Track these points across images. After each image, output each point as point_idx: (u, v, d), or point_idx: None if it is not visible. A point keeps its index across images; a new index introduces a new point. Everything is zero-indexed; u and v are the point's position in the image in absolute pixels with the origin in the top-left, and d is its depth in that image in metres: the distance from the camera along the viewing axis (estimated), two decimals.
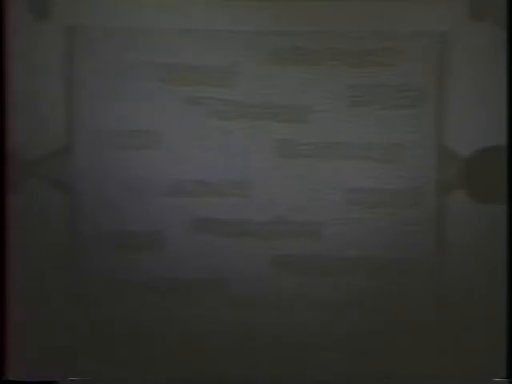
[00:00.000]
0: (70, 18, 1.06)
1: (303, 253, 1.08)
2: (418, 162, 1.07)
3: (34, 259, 1.08)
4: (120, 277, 1.08)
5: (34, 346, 1.08)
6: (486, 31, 1.06)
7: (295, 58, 1.06)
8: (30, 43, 1.05)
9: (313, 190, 1.08)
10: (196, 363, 1.09)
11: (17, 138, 1.06)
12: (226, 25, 1.06)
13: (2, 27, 1.05)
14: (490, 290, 1.08)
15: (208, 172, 1.07)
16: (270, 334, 1.09)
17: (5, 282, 1.08)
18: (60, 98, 1.07)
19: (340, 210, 1.08)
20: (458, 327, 1.09)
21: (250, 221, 1.08)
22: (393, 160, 1.07)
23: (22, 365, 1.08)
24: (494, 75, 1.06)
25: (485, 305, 1.08)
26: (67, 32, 1.06)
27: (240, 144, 1.07)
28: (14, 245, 1.07)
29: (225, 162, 1.07)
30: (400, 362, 1.09)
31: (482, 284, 1.08)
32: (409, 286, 1.09)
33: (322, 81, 1.07)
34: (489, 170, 1.07)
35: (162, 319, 1.09)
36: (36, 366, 1.09)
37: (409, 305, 1.09)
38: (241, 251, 1.08)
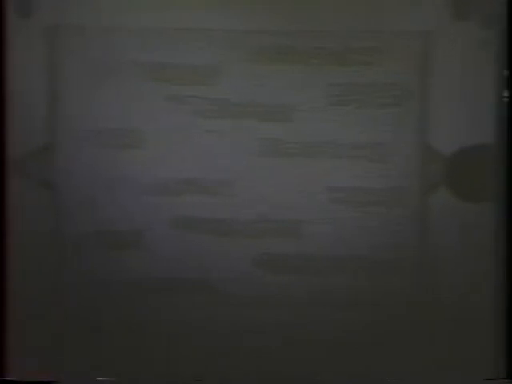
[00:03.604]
0: (54, 16, 1.06)
1: (287, 252, 1.08)
2: (401, 160, 1.07)
3: (17, 259, 1.07)
4: (104, 276, 1.08)
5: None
6: (470, 30, 1.06)
7: (279, 57, 1.06)
8: (13, 42, 1.05)
9: (297, 188, 1.08)
10: (180, 362, 1.09)
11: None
12: (211, 23, 1.06)
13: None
14: (476, 289, 1.08)
15: (192, 171, 1.07)
16: (253, 332, 1.08)
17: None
18: (43, 97, 1.07)
19: (324, 209, 1.08)
20: (443, 327, 1.08)
21: (233, 220, 1.08)
22: (377, 159, 1.07)
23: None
24: (477, 74, 1.06)
25: (471, 304, 1.08)
26: (50, 31, 1.06)
27: (224, 143, 1.07)
28: None
29: (209, 161, 1.07)
30: (386, 362, 1.08)
31: (468, 283, 1.08)
32: (393, 285, 1.08)
33: (306, 80, 1.07)
34: (473, 168, 1.07)
35: (146, 318, 1.08)
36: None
37: (393, 304, 1.08)
38: (224, 250, 1.08)
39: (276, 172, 1.08)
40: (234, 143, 1.07)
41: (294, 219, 1.08)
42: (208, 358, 1.09)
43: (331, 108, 1.07)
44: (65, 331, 1.09)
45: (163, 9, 1.06)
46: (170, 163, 1.07)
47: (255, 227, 1.08)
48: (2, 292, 1.08)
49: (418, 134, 1.07)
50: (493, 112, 1.07)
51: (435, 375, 1.09)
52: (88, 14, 1.06)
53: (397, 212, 1.08)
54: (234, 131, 1.07)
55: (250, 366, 1.09)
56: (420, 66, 1.06)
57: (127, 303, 1.08)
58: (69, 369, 1.08)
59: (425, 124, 1.07)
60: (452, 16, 1.06)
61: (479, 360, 1.08)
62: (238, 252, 1.08)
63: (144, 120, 1.07)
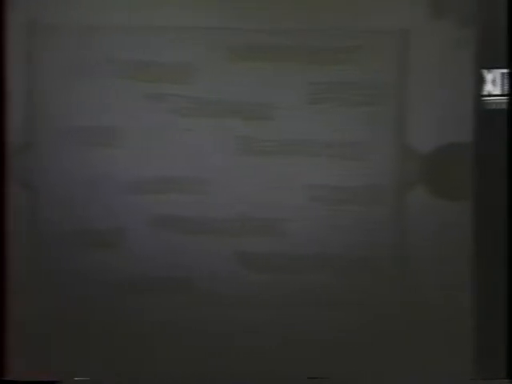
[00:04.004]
0: (31, 14, 1.06)
1: (266, 250, 1.09)
2: (379, 159, 1.08)
3: None
4: (83, 275, 1.08)
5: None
6: (447, 29, 1.06)
7: (257, 55, 1.06)
8: None
9: (275, 187, 1.08)
10: (161, 361, 1.09)
11: None
12: (188, 21, 1.06)
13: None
14: (455, 288, 1.08)
15: (170, 169, 1.07)
16: (233, 331, 1.09)
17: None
18: (20, 96, 1.07)
19: (302, 208, 1.08)
20: (421, 326, 1.09)
21: (212, 218, 1.08)
22: (354, 157, 1.08)
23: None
24: (454, 73, 1.06)
25: (450, 303, 1.08)
26: (27, 28, 1.06)
27: (202, 141, 1.07)
28: None
29: (187, 160, 1.07)
30: (362, 361, 1.09)
31: (446, 282, 1.08)
32: (371, 283, 1.09)
33: (284, 78, 1.07)
34: (450, 166, 1.08)
35: (126, 318, 1.09)
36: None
37: (371, 303, 1.09)
38: (203, 249, 1.08)
39: (254, 170, 1.08)
40: (212, 142, 1.07)
41: (273, 218, 1.08)
42: (189, 358, 1.09)
43: (309, 106, 1.07)
44: (44, 331, 1.09)
45: (140, 7, 1.06)
46: (149, 162, 1.08)
47: (234, 226, 1.08)
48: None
49: (396, 132, 1.07)
50: (470, 110, 1.07)
51: (414, 374, 1.09)
52: (66, 12, 1.06)
53: (374, 210, 1.08)
54: (212, 129, 1.07)
55: (231, 366, 1.09)
56: (397, 64, 1.07)
57: (107, 303, 1.09)
58: (49, 367, 1.09)
59: (402, 122, 1.07)
60: (429, 15, 1.06)
61: (458, 359, 1.09)
62: (217, 251, 1.08)
63: (122, 118, 1.07)
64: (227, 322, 1.08)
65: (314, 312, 1.09)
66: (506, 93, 1.05)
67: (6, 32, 1.05)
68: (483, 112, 1.06)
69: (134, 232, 1.08)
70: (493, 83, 1.05)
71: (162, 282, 1.08)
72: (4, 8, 1.05)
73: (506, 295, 1.07)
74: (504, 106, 1.06)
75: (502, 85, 1.05)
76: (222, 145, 1.07)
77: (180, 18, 1.06)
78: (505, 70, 1.05)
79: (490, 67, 1.05)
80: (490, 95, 1.06)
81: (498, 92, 1.06)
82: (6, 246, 1.07)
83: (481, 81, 1.06)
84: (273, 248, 1.08)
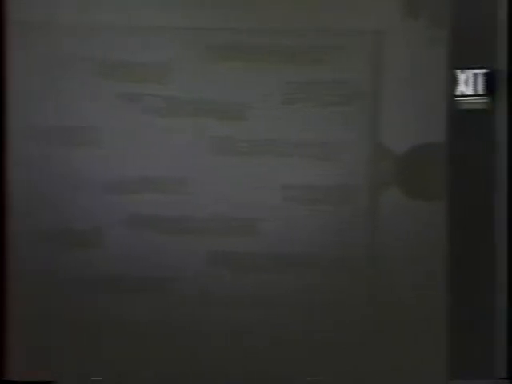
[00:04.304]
0: (7, 12, 1.06)
1: (241, 249, 1.09)
2: (353, 159, 1.08)
3: None
4: (62, 275, 1.08)
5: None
6: (421, 30, 1.07)
7: (232, 55, 1.07)
8: None
9: (250, 187, 1.08)
10: (138, 359, 1.09)
11: None
12: (164, 21, 1.07)
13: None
14: (428, 288, 1.08)
15: (147, 169, 1.08)
16: (211, 330, 1.09)
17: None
18: None
19: (277, 207, 1.08)
20: (395, 326, 1.09)
21: (190, 218, 1.08)
22: (328, 157, 1.08)
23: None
24: (428, 73, 1.07)
25: (424, 303, 1.08)
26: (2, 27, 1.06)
27: (179, 141, 1.08)
28: None
29: (164, 160, 1.08)
30: (336, 361, 1.09)
31: (420, 281, 1.08)
32: (345, 283, 1.09)
33: (259, 78, 1.07)
34: (424, 166, 1.08)
35: (103, 317, 1.09)
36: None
37: (346, 303, 1.09)
38: (181, 248, 1.09)
39: (230, 170, 1.08)
40: (188, 141, 1.08)
41: (249, 217, 1.09)
42: (168, 356, 1.10)
43: (284, 106, 1.08)
44: (18, 328, 1.09)
45: (117, 7, 1.06)
46: (128, 161, 1.08)
47: (211, 226, 1.09)
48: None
49: (370, 132, 1.08)
50: (443, 110, 1.07)
51: (387, 373, 1.09)
52: (41, 11, 1.06)
53: (348, 210, 1.09)
54: (189, 129, 1.08)
55: (211, 365, 1.09)
56: (372, 64, 1.07)
57: (83, 301, 1.09)
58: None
59: (376, 123, 1.08)
60: (403, 15, 1.07)
61: (432, 359, 1.09)
62: (194, 250, 1.09)
63: (101, 118, 1.07)
64: (206, 321, 1.08)
65: (291, 311, 1.09)
66: (478, 93, 1.05)
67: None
68: (456, 112, 1.06)
69: (113, 232, 1.08)
70: (465, 83, 1.06)
71: (141, 281, 1.08)
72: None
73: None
74: (477, 106, 1.06)
75: (475, 85, 1.06)
76: (199, 145, 1.08)
77: (157, 18, 1.06)
78: (477, 71, 1.05)
79: (463, 67, 1.06)
80: (462, 95, 1.06)
81: (470, 92, 1.06)
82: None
83: (454, 81, 1.06)
84: (249, 247, 1.09)
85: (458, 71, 1.06)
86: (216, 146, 1.07)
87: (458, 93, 1.06)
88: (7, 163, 1.06)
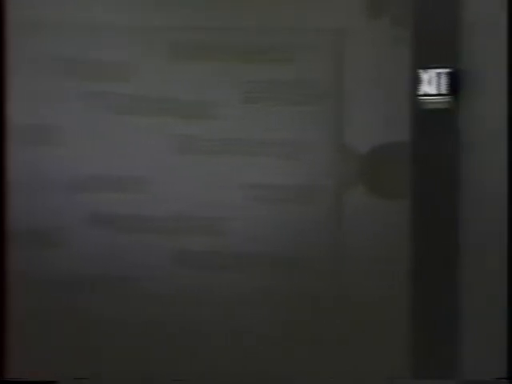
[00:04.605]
0: None
1: (204, 249, 1.10)
2: (317, 158, 1.08)
3: None
4: (28, 274, 1.10)
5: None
6: (384, 29, 1.06)
7: (195, 54, 1.07)
8: None
9: (213, 186, 1.09)
10: (100, 358, 1.11)
11: None
12: (127, 20, 1.08)
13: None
14: (391, 288, 1.08)
15: (109, 168, 1.09)
16: (171, 329, 1.10)
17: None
18: None
19: (240, 206, 1.09)
20: (359, 326, 1.09)
21: (152, 217, 1.10)
22: (292, 156, 1.08)
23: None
24: (392, 72, 1.06)
25: (386, 303, 1.08)
26: None
27: (141, 140, 1.09)
28: None
29: (127, 158, 1.09)
30: (299, 360, 1.10)
31: (384, 281, 1.08)
32: (309, 282, 1.09)
33: (222, 77, 1.08)
34: (387, 166, 1.07)
35: (68, 315, 1.11)
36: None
37: (310, 302, 1.09)
38: (143, 247, 1.10)
39: (193, 169, 1.09)
40: (151, 140, 1.09)
41: (211, 216, 1.10)
42: (128, 356, 1.11)
43: (247, 105, 1.08)
44: None
45: (81, 5, 1.07)
46: (89, 160, 1.09)
47: (174, 224, 1.10)
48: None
49: (334, 131, 1.08)
50: (407, 110, 1.06)
51: (350, 373, 1.10)
52: (7, 9, 1.08)
53: (312, 210, 1.09)
54: (151, 128, 1.09)
55: (169, 364, 1.11)
56: (334, 64, 1.07)
57: (48, 301, 1.11)
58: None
59: (340, 122, 1.08)
60: (365, 14, 1.06)
61: (393, 359, 1.09)
62: (156, 249, 1.10)
63: (61, 117, 1.09)
64: (166, 320, 1.10)
65: (254, 310, 1.09)
66: (441, 92, 1.05)
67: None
68: (420, 112, 1.06)
69: (74, 230, 1.09)
70: (429, 83, 1.05)
71: (102, 279, 1.10)
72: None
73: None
74: (440, 106, 1.05)
75: (438, 84, 1.05)
76: (162, 143, 1.09)
77: (120, 17, 1.07)
78: (440, 70, 1.04)
79: (426, 67, 1.05)
80: (426, 95, 1.05)
81: (433, 92, 1.05)
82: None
83: (417, 81, 1.05)
84: (212, 246, 1.09)
85: (421, 71, 1.05)
86: (179, 144, 1.08)
87: (421, 92, 1.05)
88: None
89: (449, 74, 1.04)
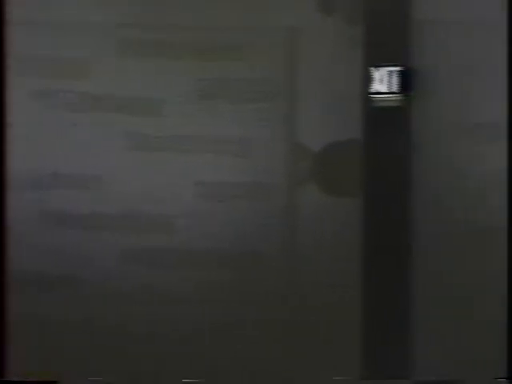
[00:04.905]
0: None
1: (155, 246, 1.09)
2: (269, 155, 1.08)
3: None
4: None
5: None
6: (336, 27, 1.06)
7: (147, 51, 1.07)
8: None
9: (164, 183, 1.08)
10: (46, 357, 1.10)
11: None
12: (79, 17, 1.07)
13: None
14: (343, 287, 1.08)
15: (60, 165, 1.08)
16: (119, 327, 1.09)
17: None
18: None
19: (191, 203, 1.08)
20: (311, 325, 1.09)
21: (102, 214, 1.09)
22: (244, 154, 1.08)
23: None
24: (345, 70, 1.06)
25: (337, 302, 1.08)
26: None
27: (93, 137, 1.08)
28: None
29: (77, 155, 1.08)
30: (245, 359, 1.09)
31: (336, 280, 1.08)
32: (261, 281, 1.09)
33: (174, 74, 1.07)
34: (340, 164, 1.07)
35: (17, 315, 1.09)
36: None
37: (262, 301, 1.09)
38: (93, 245, 1.09)
39: (145, 167, 1.09)
40: (102, 138, 1.08)
41: (163, 214, 1.09)
42: (76, 356, 1.10)
43: (199, 103, 1.08)
44: None
45: (28, 2, 1.07)
46: (39, 157, 1.08)
47: (124, 222, 1.09)
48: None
49: (286, 129, 1.08)
50: (359, 108, 1.07)
51: (300, 373, 1.09)
52: None
53: (264, 208, 1.08)
54: (102, 125, 1.08)
55: (119, 363, 1.10)
56: (286, 62, 1.07)
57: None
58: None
59: (293, 120, 1.08)
60: (317, 12, 1.06)
61: (344, 359, 1.08)
62: (106, 247, 1.09)
63: (11, 113, 1.08)
64: (116, 319, 1.09)
65: (205, 308, 1.09)
66: (393, 91, 1.05)
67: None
68: (371, 110, 1.06)
69: (23, 229, 1.08)
70: (380, 81, 1.05)
71: (54, 278, 1.09)
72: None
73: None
74: (391, 104, 1.05)
75: (389, 83, 1.05)
76: (113, 141, 1.08)
77: (71, 13, 1.07)
78: (392, 68, 1.05)
79: (378, 65, 1.05)
80: (377, 93, 1.05)
81: (385, 90, 1.05)
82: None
83: (369, 79, 1.06)
84: (163, 244, 1.09)
85: (373, 69, 1.05)
86: (130, 142, 1.08)
87: (373, 91, 1.06)
88: None
89: (400, 72, 1.05)
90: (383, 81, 1.06)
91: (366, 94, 1.06)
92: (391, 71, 1.05)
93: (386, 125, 1.06)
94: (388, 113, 1.06)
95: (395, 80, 1.05)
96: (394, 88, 1.06)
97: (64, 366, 1.08)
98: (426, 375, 1.07)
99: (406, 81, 1.05)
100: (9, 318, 1.07)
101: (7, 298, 1.07)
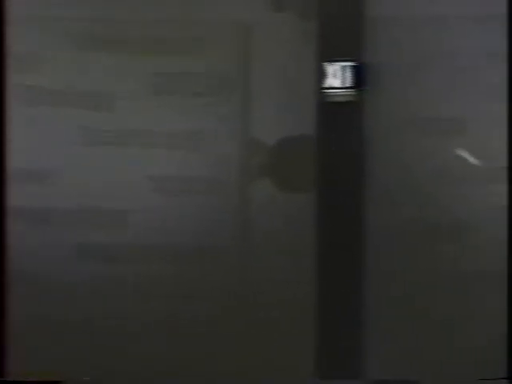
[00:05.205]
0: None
1: (109, 241, 1.09)
2: (223, 150, 1.08)
3: None
4: None
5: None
6: (289, 22, 1.06)
7: (100, 45, 1.07)
8: None
9: (118, 177, 1.08)
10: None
11: None
12: (34, 11, 1.07)
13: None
14: (296, 283, 1.07)
15: (12, 160, 1.08)
16: (75, 323, 1.09)
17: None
18: None
19: (145, 198, 1.08)
20: (263, 323, 1.08)
21: (56, 209, 1.08)
22: (198, 148, 1.08)
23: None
24: (298, 65, 1.06)
25: (292, 296, 1.07)
26: None
27: (45, 131, 1.08)
28: None
29: (29, 150, 1.08)
30: (195, 357, 1.08)
31: (290, 276, 1.07)
32: (214, 276, 1.08)
33: (127, 68, 1.07)
34: (293, 159, 1.07)
35: None
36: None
37: (214, 296, 1.08)
38: (47, 240, 1.08)
39: (98, 161, 1.08)
40: (55, 132, 1.08)
41: (116, 208, 1.09)
42: (28, 352, 1.10)
43: (151, 97, 1.08)
44: None
45: None
46: None
47: (77, 217, 1.09)
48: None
49: (239, 124, 1.07)
50: (312, 103, 1.06)
51: (254, 372, 1.08)
52: None
53: (218, 202, 1.08)
54: (54, 120, 1.08)
55: (70, 361, 1.09)
56: (240, 56, 1.07)
57: None
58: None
59: (246, 114, 1.07)
60: (272, 7, 1.06)
61: (299, 358, 1.08)
62: (60, 242, 1.09)
63: None
64: (69, 314, 1.08)
65: (158, 303, 1.08)
66: (346, 85, 1.05)
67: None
68: (325, 105, 1.06)
69: None
70: (334, 76, 1.05)
71: (8, 274, 1.08)
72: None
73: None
74: (345, 99, 1.05)
75: (343, 78, 1.05)
76: (66, 135, 1.08)
77: (26, 7, 1.07)
78: (345, 63, 1.04)
79: (331, 60, 1.05)
80: (330, 88, 1.05)
81: (338, 85, 1.05)
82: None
83: (322, 74, 1.05)
84: (115, 239, 1.08)
85: (327, 64, 1.05)
86: (83, 136, 1.08)
87: (326, 85, 1.05)
88: None
89: (353, 67, 1.04)
90: (336, 76, 1.05)
91: (320, 89, 1.06)
92: (344, 66, 1.05)
93: (338, 120, 1.06)
94: (341, 108, 1.06)
95: (348, 75, 1.05)
96: (348, 83, 1.05)
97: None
98: (380, 374, 1.07)
99: (360, 76, 1.05)
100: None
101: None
